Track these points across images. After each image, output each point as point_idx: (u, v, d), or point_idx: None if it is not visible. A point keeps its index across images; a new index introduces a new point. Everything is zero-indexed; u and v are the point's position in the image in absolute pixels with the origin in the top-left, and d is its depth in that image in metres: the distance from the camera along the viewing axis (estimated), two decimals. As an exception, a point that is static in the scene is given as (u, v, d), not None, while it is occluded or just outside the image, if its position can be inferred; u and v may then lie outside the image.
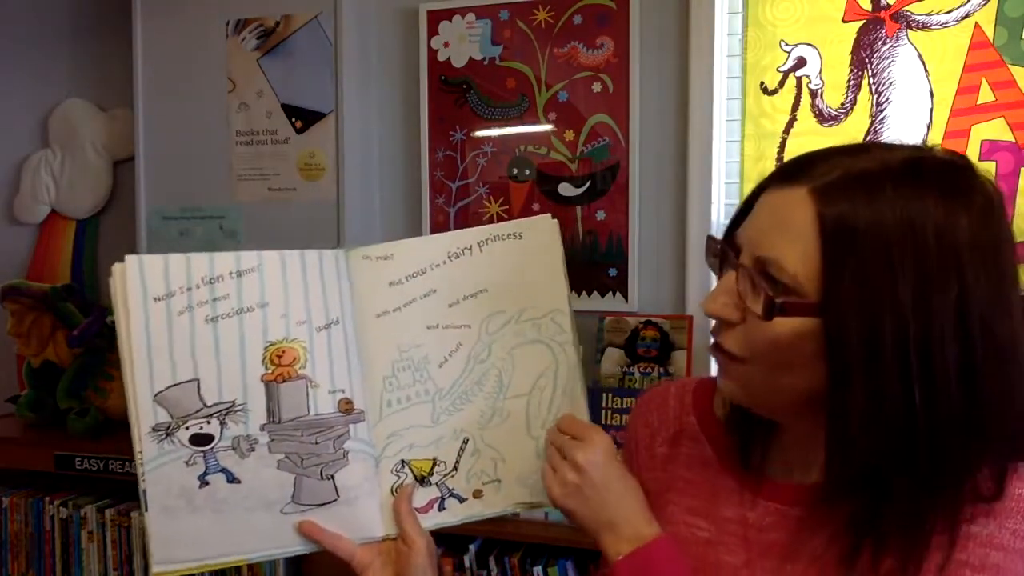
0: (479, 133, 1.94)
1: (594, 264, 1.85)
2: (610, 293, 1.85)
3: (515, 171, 1.92)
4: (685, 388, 0.90)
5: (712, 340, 0.75)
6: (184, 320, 0.80)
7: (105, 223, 2.32)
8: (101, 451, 1.78)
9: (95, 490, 1.88)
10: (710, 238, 0.78)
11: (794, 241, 0.66)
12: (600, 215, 1.86)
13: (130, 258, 0.81)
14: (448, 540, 1.65)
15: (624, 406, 1.68)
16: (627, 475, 0.81)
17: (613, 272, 1.86)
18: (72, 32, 2.32)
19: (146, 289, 0.80)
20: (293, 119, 2.02)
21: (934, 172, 0.66)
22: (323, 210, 1.98)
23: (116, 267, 0.81)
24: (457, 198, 1.97)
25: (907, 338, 0.63)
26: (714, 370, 0.96)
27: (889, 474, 0.66)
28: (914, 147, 0.70)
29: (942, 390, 0.64)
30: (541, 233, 0.89)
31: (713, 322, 0.75)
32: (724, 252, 0.75)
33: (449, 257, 0.88)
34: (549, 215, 0.91)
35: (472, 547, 1.65)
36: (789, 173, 0.70)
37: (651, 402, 0.91)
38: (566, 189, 1.87)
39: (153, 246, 2.10)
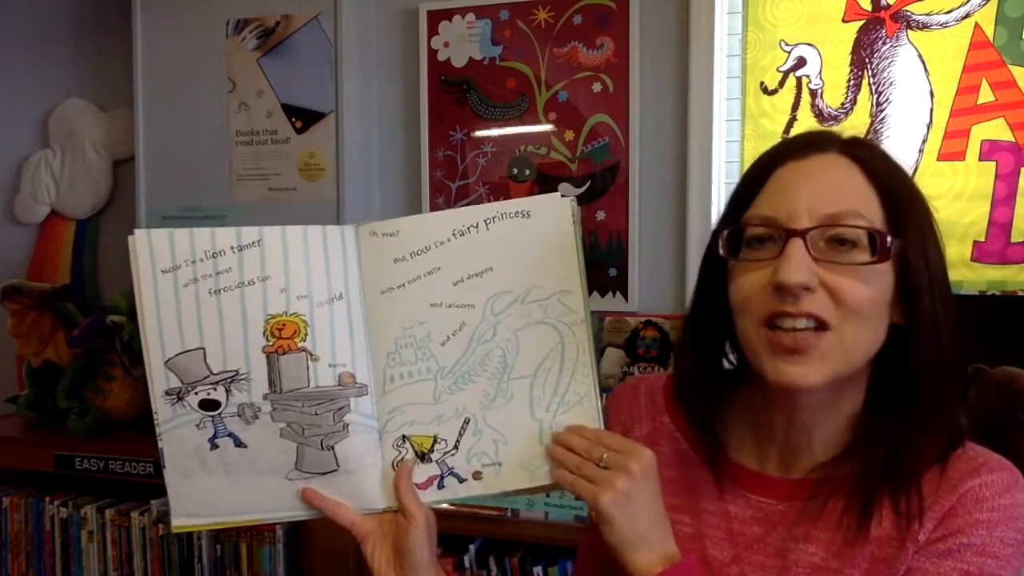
0: (479, 133, 1.94)
1: (594, 264, 1.85)
2: (610, 293, 1.85)
3: (515, 171, 1.92)
4: (654, 387, 0.92)
5: (771, 324, 0.72)
6: (190, 292, 0.84)
7: (105, 223, 2.32)
8: (101, 451, 1.78)
9: (95, 490, 1.87)
10: (721, 229, 0.79)
11: (856, 191, 0.72)
12: (600, 215, 1.86)
13: (139, 232, 0.84)
14: (448, 540, 1.64)
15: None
16: (660, 493, 0.79)
17: (613, 272, 1.86)
18: (72, 32, 2.32)
19: (154, 262, 0.84)
20: (293, 119, 2.02)
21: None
22: (323, 210, 1.98)
23: (130, 239, 0.85)
24: (457, 198, 1.97)
25: (947, 276, 0.74)
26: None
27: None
28: None
29: (949, 322, 0.73)
30: (551, 212, 0.87)
31: (761, 310, 0.73)
32: (762, 233, 0.74)
33: (454, 235, 0.87)
34: (560, 194, 0.88)
35: (472, 547, 1.65)
36: (802, 147, 0.77)
37: (621, 400, 0.93)
38: (566, 189, 1.87)
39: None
